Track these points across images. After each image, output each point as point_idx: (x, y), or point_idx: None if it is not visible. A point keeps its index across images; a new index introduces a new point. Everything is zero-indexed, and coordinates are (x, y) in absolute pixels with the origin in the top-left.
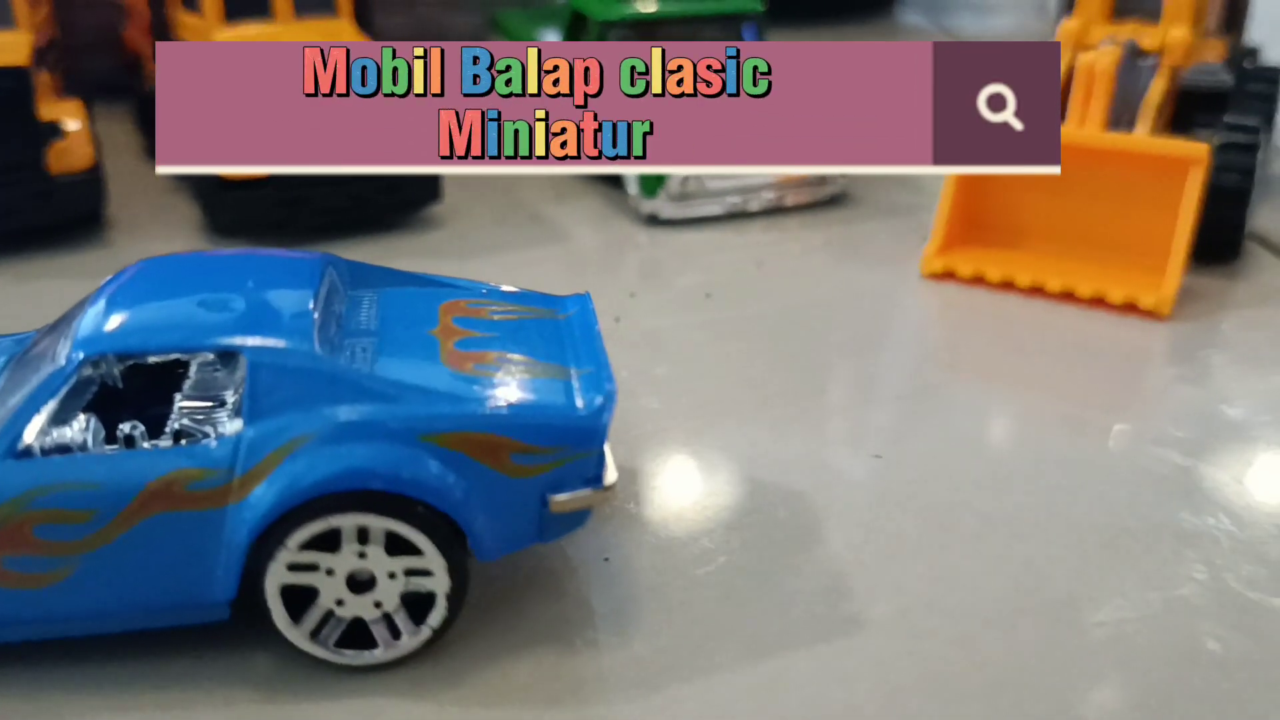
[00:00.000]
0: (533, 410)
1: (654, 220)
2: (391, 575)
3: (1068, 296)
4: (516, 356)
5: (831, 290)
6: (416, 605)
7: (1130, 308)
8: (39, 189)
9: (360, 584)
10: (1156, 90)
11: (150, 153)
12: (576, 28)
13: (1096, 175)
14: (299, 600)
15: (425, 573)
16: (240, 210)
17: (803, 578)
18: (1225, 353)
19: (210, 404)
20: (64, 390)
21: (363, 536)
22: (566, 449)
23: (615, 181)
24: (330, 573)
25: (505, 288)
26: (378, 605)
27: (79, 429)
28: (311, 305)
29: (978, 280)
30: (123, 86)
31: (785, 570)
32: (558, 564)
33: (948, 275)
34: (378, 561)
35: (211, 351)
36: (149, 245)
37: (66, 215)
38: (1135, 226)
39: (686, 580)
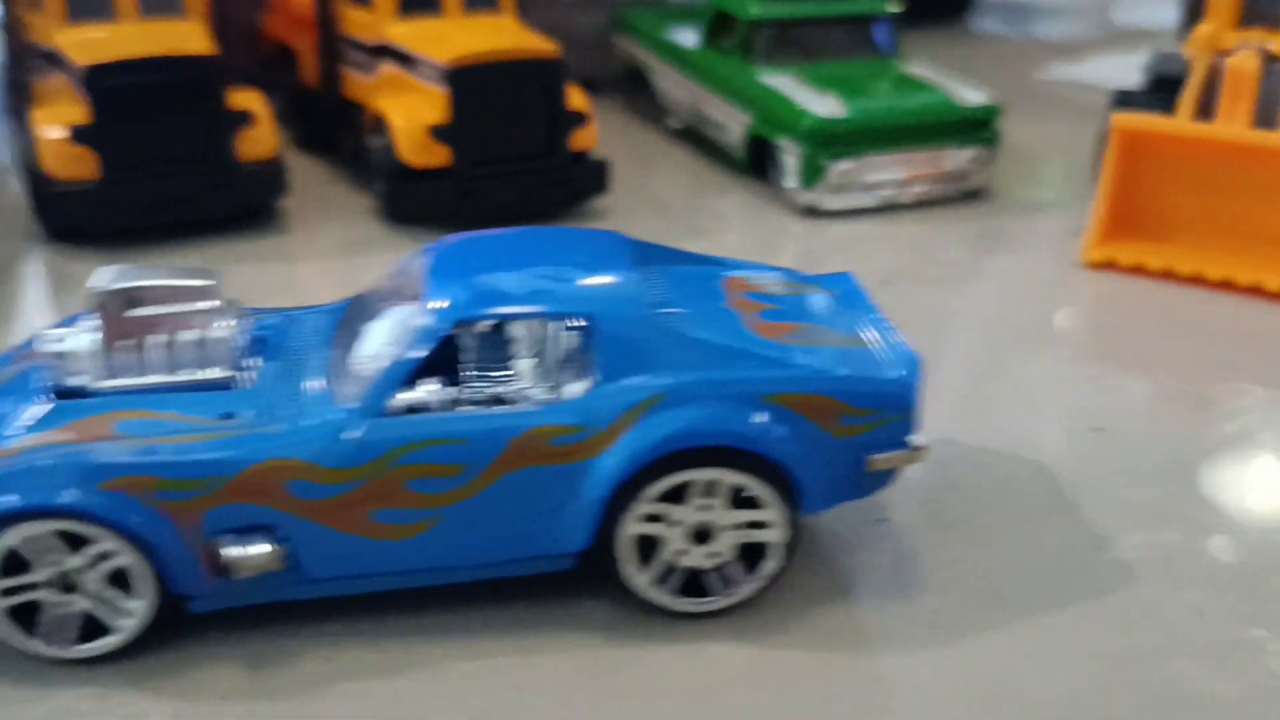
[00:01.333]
0: (859, 376)
1: (811, 211)
2: (731, 528)
3: (1226, 285)
4: (816, 328)
5: (997, 278)
6: (748, 556)
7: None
8: (226, 177)
9: (700, 535)
10: None
11: (301, 144)
12: (720, 27)
13: (1244, 171)
14: (642, 551)
15: (763, 525)
16: (419, 199)
17: (1060, 533)
18: None
19: (552, 366)
20: (430, 353)
21: (707, 490)
22: (885, 412)
23: (761, 174)
24: (675, 524)
25: (767, 266)
26: (714, 555)
27: (441, 389)
28: (637, 275)
29: (1138, 270)
30: (256, 79)
31: (1044, 528)
32: (835, 524)
33: (1108, 265)
34: (720, 514)
35: (563, 317)
36: (328, 232)
37: (250, 203)
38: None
39: (952, 539)
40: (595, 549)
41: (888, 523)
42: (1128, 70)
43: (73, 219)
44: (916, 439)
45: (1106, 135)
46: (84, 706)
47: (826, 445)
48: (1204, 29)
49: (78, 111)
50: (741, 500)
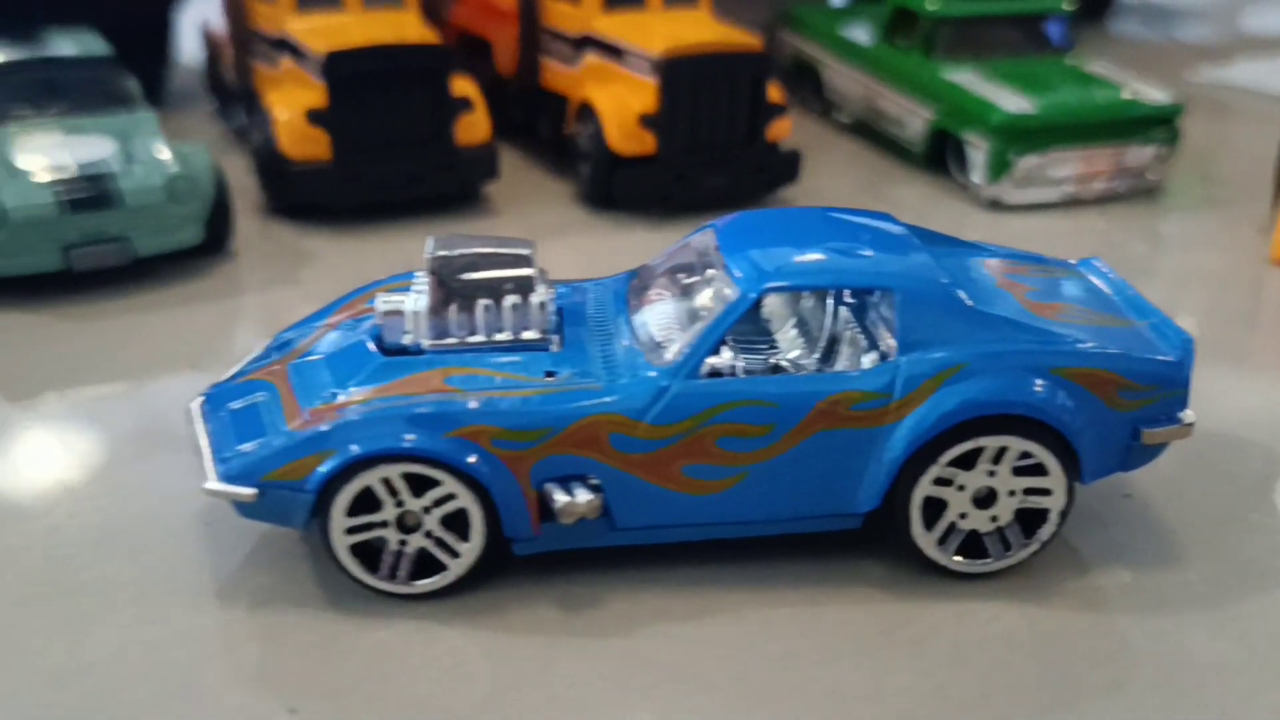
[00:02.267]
0: (1139, 353)
1: (994, 205)
2: (1011, 493)
3: None
4: (1081, 308)
5: (1185, 273)
6: (1024, 521)
7: None
8: (448, 159)
9: (983, 500)
10: None
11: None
12: (899, 24)
13: None
14: (927, 513)
15: (1044, 491)
16: (631, 185)
17: None
18: None
19: (840, 336)
20: (737, 320)
21: (995, 457)
22: (1161, 389)
23: (939, 167)
24: (961, 488)
25: (1017, 250)
26: (994, 519)
27: (743, 355)
28: (926, 253)
29: None
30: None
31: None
32: (1085, 498)
33: None
34: (1005, 480)
35: (868, 290)
36: (534, 215)
37: (467, 185)
38: None
39: (1196, 514)
40: (882, 510)
41: (1131, 498)
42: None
43: (306, 196)
44: (1187, 415)
45: None
46: (410, 639)
47: (1105, 418)
48: None
49: (313, 95)
50: (1023, 468)
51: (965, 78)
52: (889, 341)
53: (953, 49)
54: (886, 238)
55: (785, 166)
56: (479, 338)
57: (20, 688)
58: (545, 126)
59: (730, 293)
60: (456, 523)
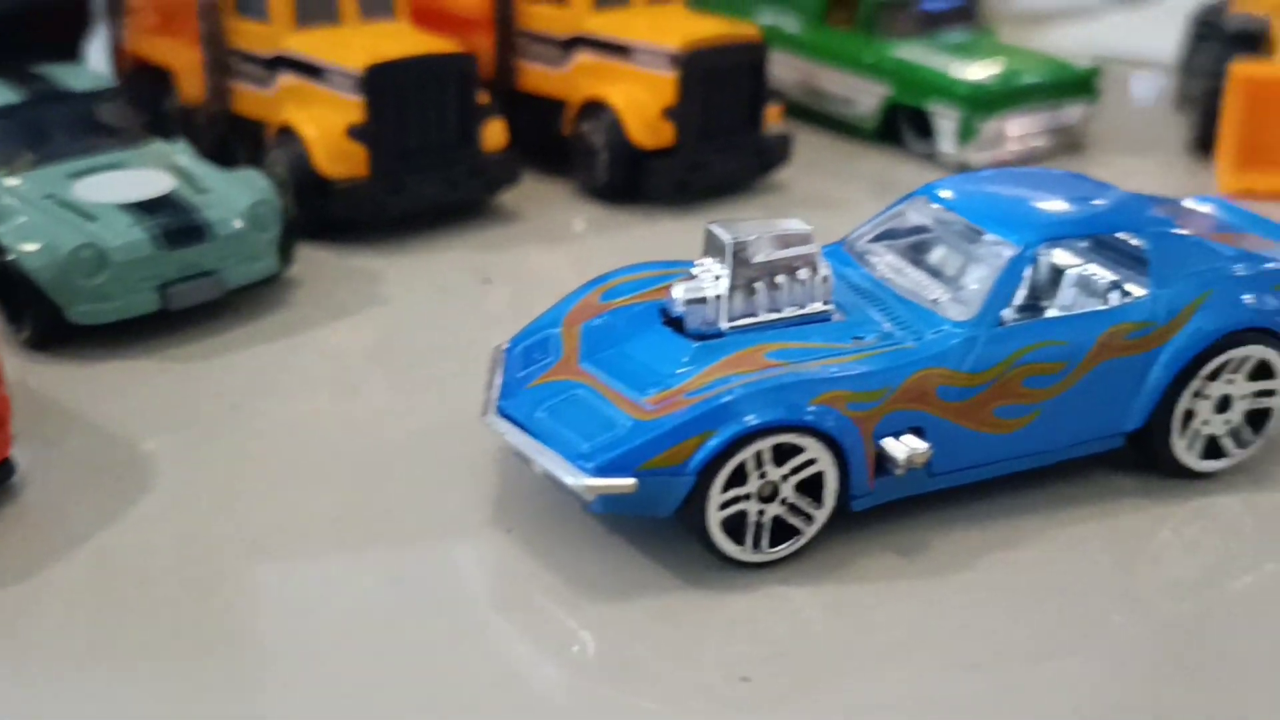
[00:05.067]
0: None
1: (963, 168)
2: (1242, 397)
3: None
4: (1248, 235)
5: None
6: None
7: None
8: (476, 166)
9: (1220, 406)
10: None
11: None
12: (834, 8)
13: None
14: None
15: (1270, 393)
16: (657, 176)
17: None
18: None
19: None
20: (1023, 271)
21: (1236, 368)
22: None
23: (892, 139)
24: (1206, 398)
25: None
26: (1228, 422)
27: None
28: (1139, 199)
29: (1273, 195)
30: None
31: None
32: None
33: (1246, 193)
34: (1240, 385)
35: (1133, 234)
36: (556, 215)
37: (494, 190)
38: None
39: None
40: (1144, 427)
41: None
42: (1126, 36)
43: (349, 213)
44: None
45: (1213, 86)
46: (759, 607)
47: None
48: None
49: (348, 111)
50: (1254, 373)
51: (913, 54)
52: (1141, 278)
53: (892, 28)
54: (1099, 189)
55: (781, 149)
56: (770, 315)
57: None
58: (546, 133)
59: (1007, 250)
60: (809, 488)
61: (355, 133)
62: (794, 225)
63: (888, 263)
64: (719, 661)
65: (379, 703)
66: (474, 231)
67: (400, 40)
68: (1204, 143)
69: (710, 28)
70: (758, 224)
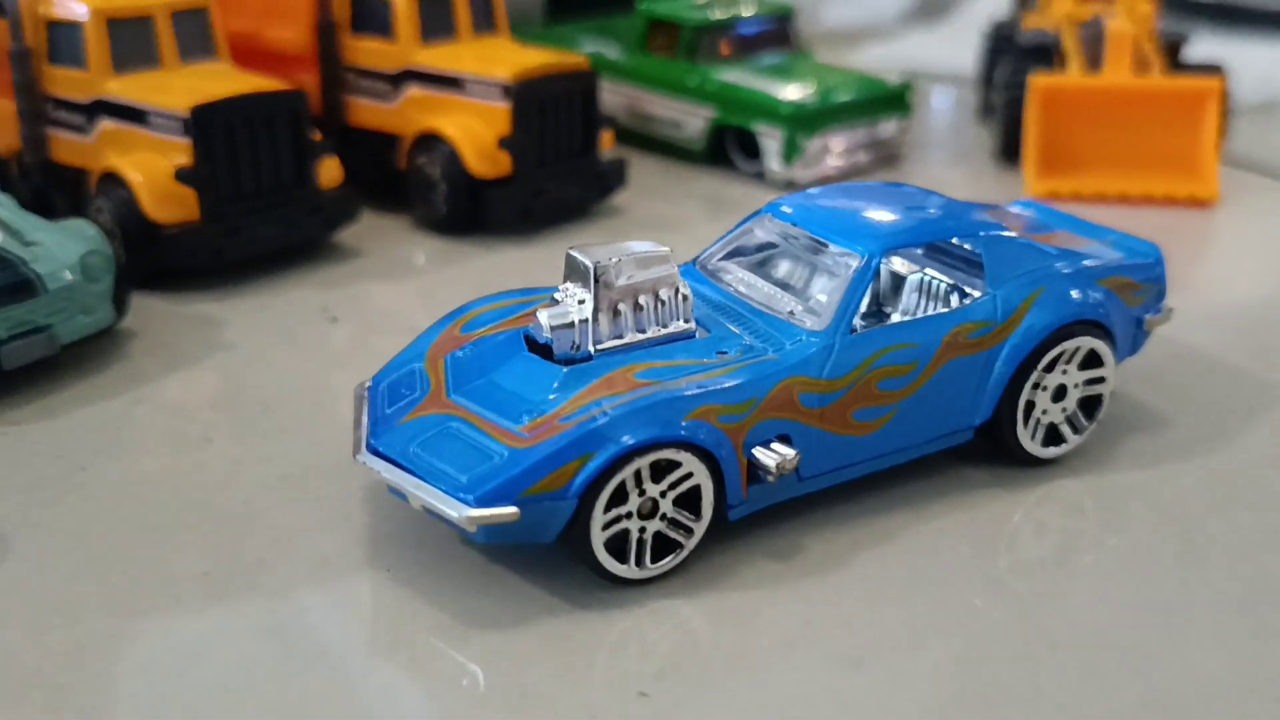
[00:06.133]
0: (1138, 262)
1: (790, 185)
2: (1076, 385)
3: (1145, 200)
4: (1068, 234)
5: None
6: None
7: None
8: (313, 204)
9: (1056, 396)
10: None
11: None
12: (654, 36)
13: (1128, 110)
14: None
15: (1100, 380)
16: (497, 205)
17: None
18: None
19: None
20: (870, 280)
21: (1067, 359)
22: (1151, 286)
23: (721, 160)
24: (1044, 389)
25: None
26: (1064, 410)
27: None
28: (964, 206)
29: (1075, 196)
30: None
31: None
32: None
33: (1051, 195)
34: (1073, 375)
35: (966, 239)
36: (396, 249)
37: (333, 227)
38: (1165, 143)
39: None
40: (990, 420)
41: None
42: (925, 52)
43: (181, 260)
44: (1166, 304)
45: (1014, 96)
46: (647, 622)
47: (1126, 313)
48: (1061, 6)
49: (173, 153)
50: (1084, 362)
51: (735, 77)
52: (977, 280)
53: (713, 53)
54: (929, 198)
55: (617, 174)
56: (634, 336)
57: None
58: (380, 167)
59: (853, 261)
60: (686, 502)
61: (183, 176)
62: (651, 247)
63: (740, 279)
64: (613, 680)
65: None
66: (314, 270)
67: (224, 80)
68: (1009, 150)
69: (539, 58)
70: (615, 247)
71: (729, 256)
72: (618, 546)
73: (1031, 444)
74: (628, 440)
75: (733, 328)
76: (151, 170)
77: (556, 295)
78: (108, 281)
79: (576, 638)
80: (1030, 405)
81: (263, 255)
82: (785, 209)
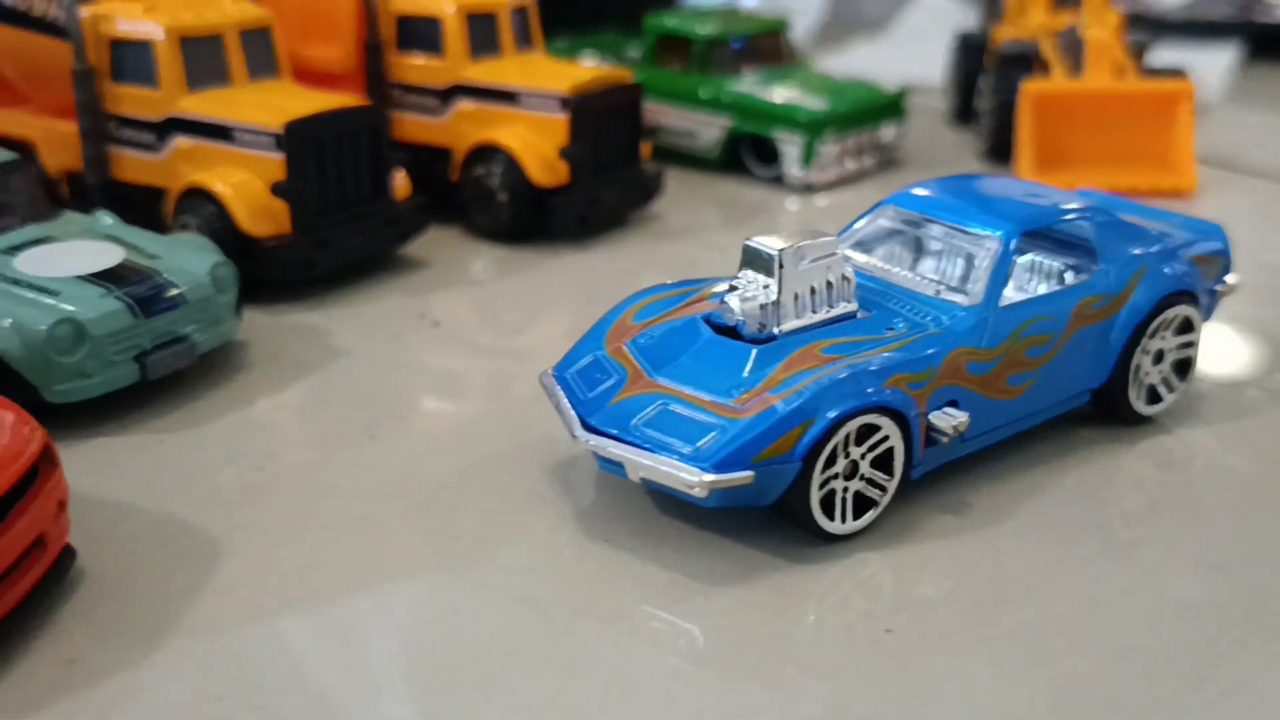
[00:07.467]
0: (1212, 239)
1: (807, 188)
2: (1171, 349)
3: (1131, 192)
4: (1150, 221)
5: None
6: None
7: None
8: (390, 216)
9: (1156, 359)
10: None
11: None
12: (665, 50)
13: (1107, 112)
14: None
15: (1190, 344)
16: (558, 213)
17: None
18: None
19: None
20: (1011, 259)
21: (1166, 325)
22: (1221, 260)
23: (736, 167)
24: (1147, 353)
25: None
26: (1162, 371)
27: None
28: (1067, 195)
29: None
30: None
31: None
32: None
33: None
34: (1169, 340)
35: (1086, 221)
36: (464, 260)
37: (408, 238)
38: (1144, 141)
39: None
40: (1105, 384)
41: None
42: (882, 64)
43: (275, 273)
44: (1231, 278)
45: (1003, 101)
46: (847, 576)
47: (1204, 284)
48: (1035, 18)
49: (265, 168)
50: (1178, 328)
51: (749, 88)
52: (1079, 259)
53: (723, 66)
54: (1032, 188)
55: (656, 182)
56: (812, 317)
57: None
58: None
59: (993, 242)
60: (880, 463)
61: (279, 190)
62: (821, 235)
63: (875, 264)
64: (852, 622)
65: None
66: (393, 280)
67: (301, 98)
68: (997, 151)
69: (589, 72)
70: (789, 236)
71: (859, 244)
72: (826, 505)
73: (1139, 403)
74: (843, 406)
75: (891, 306)
76: (242, 185)
77: (734, 282)
78: (233, 293)
79: (799, 587)
80: (1137, 368)
81: (342, 267)
82: (917, 192)
